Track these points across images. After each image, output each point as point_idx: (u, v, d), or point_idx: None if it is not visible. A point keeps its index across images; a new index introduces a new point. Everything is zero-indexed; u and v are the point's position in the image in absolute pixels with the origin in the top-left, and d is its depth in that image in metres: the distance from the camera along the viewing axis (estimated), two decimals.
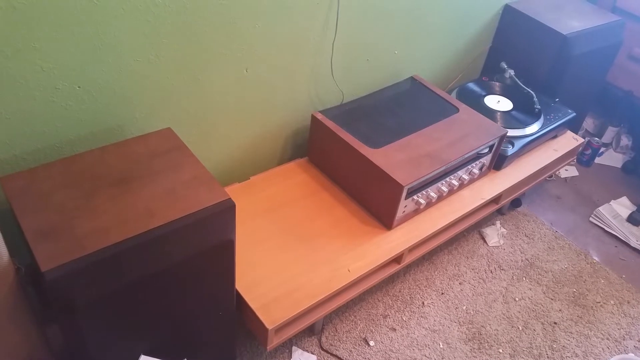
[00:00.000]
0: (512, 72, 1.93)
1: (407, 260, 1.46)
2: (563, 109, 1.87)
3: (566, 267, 1.79)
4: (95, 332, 0.94)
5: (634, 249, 1.92)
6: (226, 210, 0.99)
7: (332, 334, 1.48)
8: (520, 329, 1.58)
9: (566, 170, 2.24)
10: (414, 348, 1.48)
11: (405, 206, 1.42)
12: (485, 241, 1.84)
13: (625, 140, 2.38)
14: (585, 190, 2.16)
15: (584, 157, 2.29)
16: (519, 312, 1.62)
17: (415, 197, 1.43)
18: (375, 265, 1.34)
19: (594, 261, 1.84)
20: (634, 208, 2.05)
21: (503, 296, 1.66)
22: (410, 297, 1.62)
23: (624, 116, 2.37)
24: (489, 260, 1.78)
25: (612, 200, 2.09)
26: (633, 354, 1.54)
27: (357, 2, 1.49)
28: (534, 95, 1.84)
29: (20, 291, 0.94)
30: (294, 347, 1.43)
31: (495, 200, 1.67)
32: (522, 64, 1.97)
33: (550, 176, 2.11)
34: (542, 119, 1.79)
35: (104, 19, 1.05)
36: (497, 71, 1.98)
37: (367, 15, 1.55)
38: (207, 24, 1.21)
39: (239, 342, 1.42)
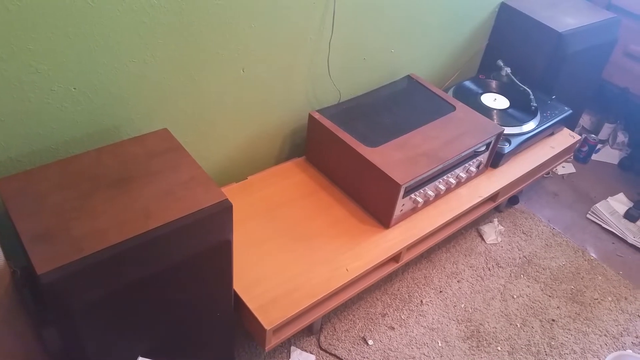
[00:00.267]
0: (508, 69, 1.93)
1: (405, 258, 1.46)
2: (559, 106, 1.88)
3: (564, 264, 1.80)
4: (92, 334, 0.93)
5: (631, 246, 1.92)
6: (223, 211, 0.98)
7: (331, 333, 1.48)
8: (519, 326, 1.58)
9: (563, 167, 2.25)
10: (413, 346, 1.48)
11: (403, 205, 1.42)
12: (483, 239, 1.84)
13: (621, 137, 2.38)
14: (582, 187, 2.17)
15: (580, 154, 2.29)
16: (517, 309, 1.63)
17: (412, 195, 1.43)
18: (374, 264, 1.34)
19: (592, 258, 1.84)
20: (631, 204, 2.06)
21: (501, 294, 1.67)
22: (408, 296, 1.62)
23: (620, 113, 2.38)
24: (487, 257, 1.78)
25: (609, 197, 2.10)
26: (631, 350, 1.55)
27: (354, 1, 1.49)
28: (531, 92, 1.84)
29: (16, 294, 0.94)
30: (292, 347, 1.43)
31: (493, 198, 1.67)
32: (519, 61, 1.97)
33: (548, 173, 2.12)
34: (538, 117, 1.79)
35: (99, 20, 1.04)
36: (493, 69, 1.98)
37: (363, 14, 1.55)
38: (203, 25, 1.21)
39: (237, 342, 1.42)
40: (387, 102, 1.63)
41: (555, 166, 1.97)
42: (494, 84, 1.92)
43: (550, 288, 1.71)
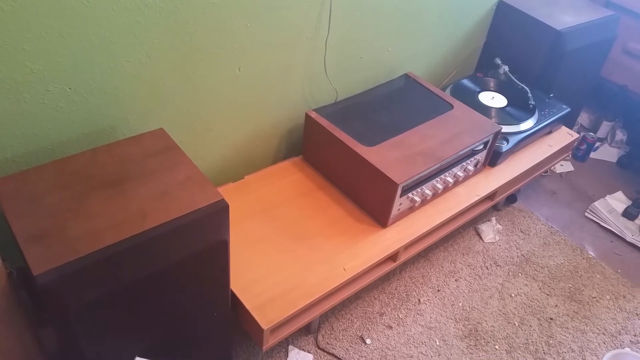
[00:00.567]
0: (506, 68, 1.93)
1: (403, 258, 1.46)
2: (558, 104, 1.87)
3: (562, 263, 1.80)
4: (89, 334, 0.93)
5: (630, 244, 1.92)
6: (220, 211, 0.98)
7: (329, 332, 1.48)
8: (517, 325, 1.58)
9: (561, 165, 2.25)
10: (411, 345, 1.48)
11: (400, 204, 1.42)
12: (480, 237, 1.84)
13: (620, 135, 2.38)
14: (581, 185, 2.17)
15: (579, 152, 2.29)
16: (515, 308, 1.63)
17: (410, 194, 1.43)
18: (371, 263, 1.34)
19: (590, 256, 1.84)
20: (629, 202, 2.06)
21: (499, 292, 1.67)
22: (406, 295, 1.62)
23: (618, 111, 2.37)
24: (485, 256, 1.78)
25: (608, 195, 2.10)
26: (629, 349, 1.55)
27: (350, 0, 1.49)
28: (529, 91, 1.84)
29: (13, 295, 0.94)
30: (290, 346, 1.43)
31: (491, 196, 1.67)
32: (517, 59, 1.96)
33: (546, 172, 2.12)
34: (536, 115, 1.79)
35: (94, 20, 1.04)
36: (491, 67, 1.97)
37: (360, 13, 1.55)
38: (198, 24, 1.21)
39: (235, 342, 1.42)
40: (384, 101, 1.63)
41: (554, 164, 1.97)
42: (491, 82, 1.92)
43: (548, 286, 1.71)
